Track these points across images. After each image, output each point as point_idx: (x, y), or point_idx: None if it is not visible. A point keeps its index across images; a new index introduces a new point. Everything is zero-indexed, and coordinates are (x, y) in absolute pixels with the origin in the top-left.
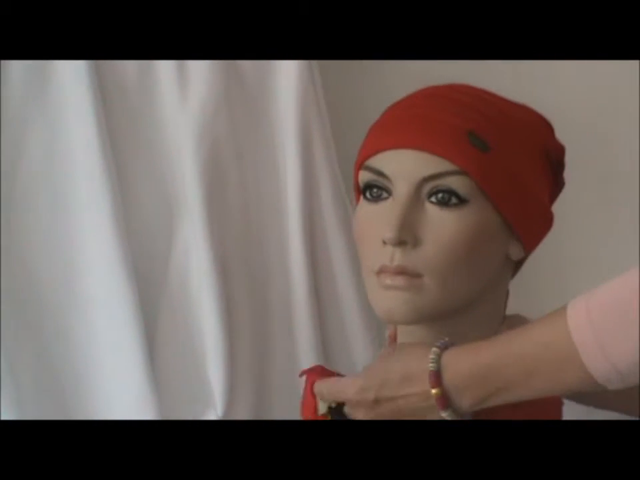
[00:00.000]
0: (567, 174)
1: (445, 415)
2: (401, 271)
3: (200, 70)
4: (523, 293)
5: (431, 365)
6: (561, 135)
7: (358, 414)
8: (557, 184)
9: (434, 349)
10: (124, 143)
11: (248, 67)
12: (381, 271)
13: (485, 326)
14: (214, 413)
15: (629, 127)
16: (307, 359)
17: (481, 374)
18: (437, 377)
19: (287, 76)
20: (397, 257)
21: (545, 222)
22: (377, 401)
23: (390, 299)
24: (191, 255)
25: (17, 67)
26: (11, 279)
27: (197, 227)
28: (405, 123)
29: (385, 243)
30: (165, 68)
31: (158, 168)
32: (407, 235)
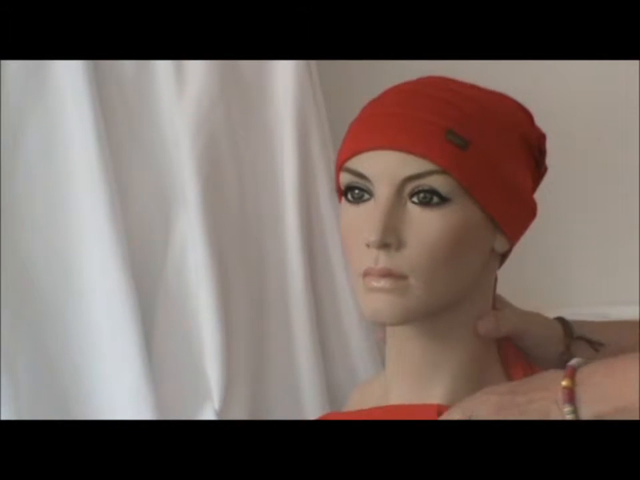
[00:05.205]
0: (567, 174)
1: (566, 411)
2: (385, 273)
3: (197, 66)
4: (523, 293)
5: (572, 362)
6: (561, 134)
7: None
8: (538, 171)
9: (578, 359)
10: (121, 138)
11: (245, 62)
12: (366, 274)
13: (474, 321)
14: (211, 406)
15: (629, 127)
16: (304, 352)
17: (611, 390)
18: (572, 371)
19: (284, 71)
20: (381, 259)
21: (529, 212)
22: (505, 406)
23: (376, 300)
24: (188, 250)
25: (14, 64)
26: (7, 275)
27: (193, 222)
28: (383, 123)
29: (368, 245)
30: (162, 63)
31: (155, 163)
32: (390, 237)
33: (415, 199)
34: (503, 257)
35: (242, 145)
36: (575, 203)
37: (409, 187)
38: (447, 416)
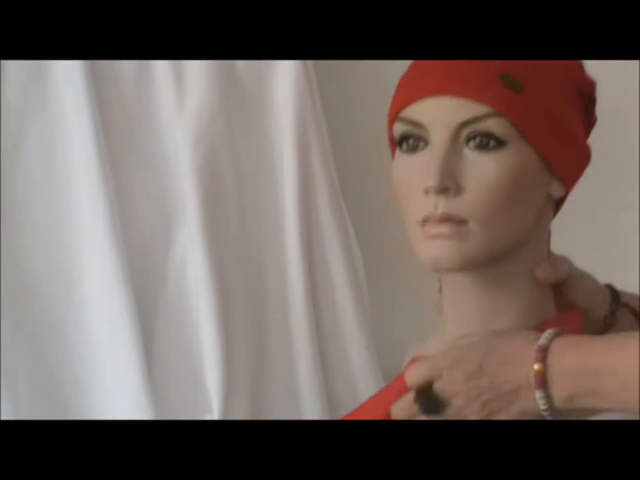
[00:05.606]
0: None
1: (539, 396)
2: (445, 219)
3: (197, 77)
4: None
5: (541, 340)
6: None
7: (455, 390)
8: (589, 119)
9: (549, 331)
10: (121, 149)
11: (245, 74)
12: (426, 221)
13: (531, 268)
14: (211, 417)
15: (629, 127)
16: (304, 363)
17: (581, 371)
18: (543, 353)
19: (283, 81)
20: (440, 204)
21: (583, 158)
22: (478, 373)
23: (436, 247)
24: (188, 261)
25: (15, 73)
26: (9, 284)
27: (194, 233)
28: (437, 70)
29: (427, 192)
30: (162, 74)
31: (155, 174)
32: (449, 181)
33: (471, 144)
34: (558, 206)
35: (242, 155)
36: (574, 204)
37: (465, 132)
38: (415, 368)
